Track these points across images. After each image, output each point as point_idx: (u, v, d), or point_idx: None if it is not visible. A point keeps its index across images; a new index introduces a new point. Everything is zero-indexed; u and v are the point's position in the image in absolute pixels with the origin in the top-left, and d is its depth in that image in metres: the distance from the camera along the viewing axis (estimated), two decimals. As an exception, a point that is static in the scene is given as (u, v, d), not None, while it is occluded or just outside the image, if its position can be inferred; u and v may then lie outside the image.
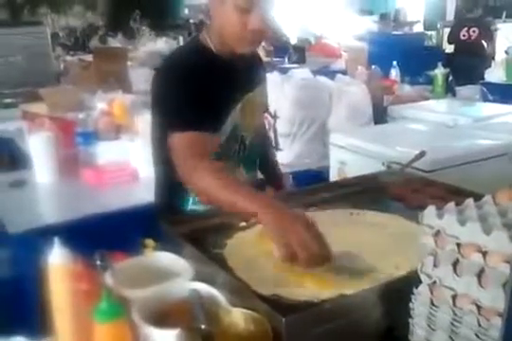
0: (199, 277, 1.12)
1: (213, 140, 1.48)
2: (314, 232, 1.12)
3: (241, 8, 1.43)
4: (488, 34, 6.76)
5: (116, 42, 10.03)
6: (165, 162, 1.53)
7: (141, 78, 4.88)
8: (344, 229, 1.36)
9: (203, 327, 0.91)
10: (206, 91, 1.45)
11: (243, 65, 1.61)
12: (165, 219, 1.40)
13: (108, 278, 1.04)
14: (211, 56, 1.55)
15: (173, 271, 1.15)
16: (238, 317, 0.97)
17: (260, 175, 1.92)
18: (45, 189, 2.40)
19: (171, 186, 1.63)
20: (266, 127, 1.89)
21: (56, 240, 1.02)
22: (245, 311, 0.98)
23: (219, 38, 1.54)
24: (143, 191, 2.36)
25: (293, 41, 8.51)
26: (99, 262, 1.01)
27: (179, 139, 1.42)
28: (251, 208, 1.21)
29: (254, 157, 1.79)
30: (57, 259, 1.02)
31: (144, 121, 2.77)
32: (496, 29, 6.92)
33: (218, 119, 1.55)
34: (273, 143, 1.99)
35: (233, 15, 1.45)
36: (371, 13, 9.65)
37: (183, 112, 1.45)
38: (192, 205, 1.65)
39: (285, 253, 1.09)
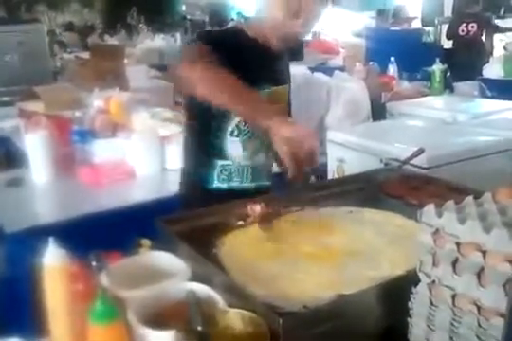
0: (196, 277, 1.11)
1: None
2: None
3: (291, 10, 1.52)
4: (490, 29, 6.76)
5: (113, 39, 10.00)
6: (195, 134, 1.68)
7: (138, 75, 4.87)
8: (343, 228, 1.35)
9: (199, 328, 0.90)
10: (234, 65, 1.48)
11: (276, 58, 1.70)
12: (162, 218, 1.39)
13: (103, 279, 1.03)
14: (252, 40, 1.63)
15: (170, 271, 1.15)
16: (235, 318, 0.97)
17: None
18: (41, 188, 2.39)
19: (197, 162, 1.74)
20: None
21: (51, 240, 1.01)
22: (242, 311, 0.97)
23: (264, 30, 1.61)
24: (140, 190, 2.36)
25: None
26: (94, 263, 1.00)
27: (195, 46, 1.54)
28: (259, 117, 1.37)
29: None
30: (52, 259, 1.01)
31: (141, 119, 2.77)
32: (497, 26, 6.91)
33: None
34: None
35: (282, 16, 1.54)
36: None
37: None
38: (216, 182, 1.72)
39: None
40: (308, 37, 7.81)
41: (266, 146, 1.72)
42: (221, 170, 1.71)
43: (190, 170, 1.79)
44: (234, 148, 1.69)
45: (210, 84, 1.39)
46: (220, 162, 1.70)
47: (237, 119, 1.65)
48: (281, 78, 1.76)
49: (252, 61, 1.57)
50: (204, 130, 1.68)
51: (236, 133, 1.68)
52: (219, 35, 1.66)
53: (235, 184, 1.73)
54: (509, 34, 6.89)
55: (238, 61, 1.49)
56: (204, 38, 1.61)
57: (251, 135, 1.70)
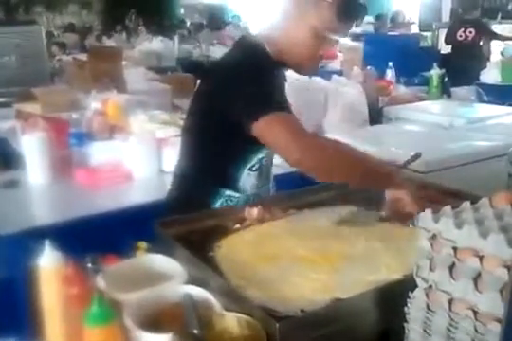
0: (192, 280, 1.11)
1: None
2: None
3: (319, 33, 1.47)
4: (488, 35, 6.78)
5: (111, 41, 10.00)
6: (199, 161, 1.59)
7: (136, 77, 4.87)
8: (340, 232, 1.34)
9: (196, 331, 0.90)
10: (275, 86, 1.47)
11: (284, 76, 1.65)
12: (159, 221, 1.38)
13: (100, 281, 1.03)
14: (271, 62, 1.55)
15: (166, 274, 1.14)
16: (231, 322, 0.96)
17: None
18: (37, 190, 2.38)
19: (201, 188, 1.63)
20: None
21: (47, 242, 1.01)
22: (238, 315, 0.97)
23: (283, 53, 1.54)
24: (137, 192, 2.36)
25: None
26: (90, 265, 1.00)
27: (278, 119, 1.37)
28: (389, 185, 1.40)
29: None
30: (48, 261, 1.01)
31: (138, 121, 2.77)
32: (495, 33, 6.93)
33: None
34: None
35: (308, 37, 1.48)
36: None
37: (267, 97, 1.41)
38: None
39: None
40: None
41: (268, 175, 1.73)
42: (226, 200, 1.63)
43: (189, 192, 1.68)
44: (248, 181, 1.63)
45: (344, 169, 1.39)
46: (228, 192, 1.62)
47: (261, 155, 1.61)
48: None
49: (280, 82, 1.55)
50: (220, 160, 1.60)
51: (256, 167, 1.63)
52: (254, 68, 1.47)
53: None
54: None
55: (275, 84, 1.48)
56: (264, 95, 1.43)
57: (267, 170, 1.68)
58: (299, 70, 1.63)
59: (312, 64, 1.59)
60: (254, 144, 1.48)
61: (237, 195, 1.63)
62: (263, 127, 1.37)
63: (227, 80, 1.49)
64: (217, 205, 1.62)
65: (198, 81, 1.72)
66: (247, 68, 1.47)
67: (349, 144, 1.45)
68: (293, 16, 1.49)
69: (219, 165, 1.60)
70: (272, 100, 1.40)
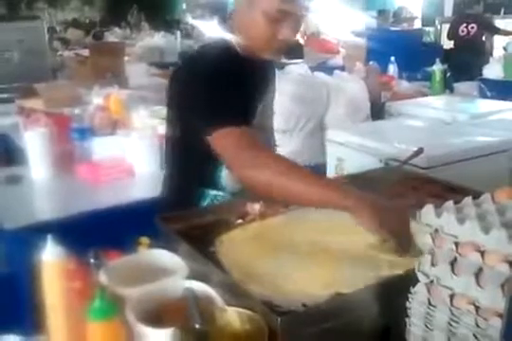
0: (194, 275, 1.11)
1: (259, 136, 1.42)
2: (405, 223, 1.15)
3: (271, 17, 1.41)
4: (491, 30, 6.77)
5: (113, 36, 9.99)
6: (182, 164, 1.54)
7: (138, 73, 4.87)
8: (342, 226, 1.34)
9: (198, 326, 0.90)
10: (239, 91, 1.42)
11: (264, 67, 1.60)
12: (161, 216, 1.38)
13: (102, 276, 1.03)
14: (238, 58, 1.51)
15: (168, 269, 1.14)
16: (233, 316, 0.97)
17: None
18: (40, 185, 2.39)
19: (185, 188, 1.62)
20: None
21: (50, 237, 1.01)
22: (240, 310, 0.97)
23: (244, 40, 1.51)
24: (139, 188, 2.36)
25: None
26: (92, 260, 1.00)
27: (228, 132, 1.34)
28: (333, 199, 1.20)
29: None
30: (50, 256, 1.01)
31: (140, 117, 2.77)
32: (498, 28, 6.91)
33: (251, 119, 1.51)
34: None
35: (262, 22, 1.42)
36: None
37: (223, 109, 1.39)
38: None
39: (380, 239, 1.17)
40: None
41: None
42: (212, 200, 1.60)
43: (175, 194, 1.68)
44: (230, 178, 1.59)
45: (288, 185, 1.24)
46: (213, 192, 1.60)
47: None
48: (271, 83, 1.71)
49: (250, 77, 1.50)
50: (198, 160, 1.56)
51: None
52: (214, 69, 1.45)
53: None
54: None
55: (240, 81, 1.43)
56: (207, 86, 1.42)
57: None
58: (263, 55, 1.53)
59: (273, 49, 1.50)
60: None
61: (222, 193, 1.60)
62: (214, 141, 1.37)
63: (187, 85, 1.49)
64: (204, 204, 1.60)
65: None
66: (209, 71, 1.45)
67: (298, 164, 1.35)
68: (246, 4, 1.46)
69: (198, 165, 1.58)
70: (226, 114, 1.38)
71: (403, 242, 1.14)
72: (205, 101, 1.42)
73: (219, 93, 1.41)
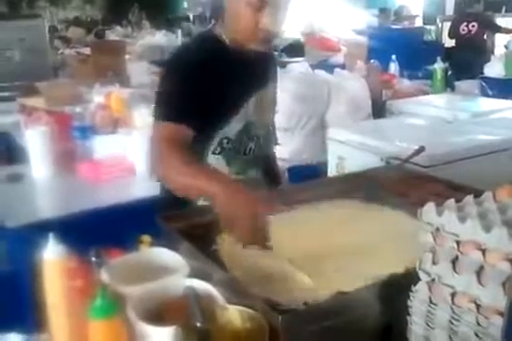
0: (195, 273, 1.11)
1: (189, 137, 1.43)
2: (257, 221, 1.19)
3: (253, 5, 1.42)
4: (492, 28, 6.76)
5: (114, 35, 9.99)
6: None
7: (139, 71, 4.87)
8: (343, 225, 1.35)
9: (199, 324, 0.90)
10: (216, 83, 1.43)
11: (256, 60, 1.59)
12: (162, 214, 1.38)
13: (103, 275, 1.03)
14: (225, 49, 1.54)
15: (170, 267, 1.14)
16: (234, 315, 0.97)
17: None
18: (41, 184, 2.39)
19: None
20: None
21: (51, 235, 1.01)
22: (241, 308, 0.97)
23: (231, 32, 1.53)
24: (140, 186, 2.36)
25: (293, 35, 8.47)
26: (94, 259, 1.00)
27: (159, 128, 1.42)
28: (208, 186, 1.23)
29: (265, 155, 1.79)
30: (52, 254, 1.01)
31: (142, 115, 2.77)
32: (500, 26, 6.90)
33: (227, 112, 1.54)
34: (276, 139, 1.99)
35: (246, 12, 1.44)
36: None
37: (170, 102, 1.45)
38: (201, 201, 1.60)
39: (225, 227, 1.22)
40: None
41: (255, 162, 1.69)
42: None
43: (170, 193, 1.62)
44: (218, 166, 1.59)
45: (182, 179, 1.32)
46: None
47: (219, 138, 1.59)
48: (269, 75, 1.71)
49: (238, 69, 1.51)
50: None
51: (219, 150, 1.60)
52: (194, 60, 1.48)
53: None
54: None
55: (221, 73, 1.45)
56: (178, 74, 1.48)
57: (236, 153, 1.63)
58: (249, 46, 1.53)
59: (257, 39, 1.49)
60: (206, 129, 1.50)
61: None
62: (153, 129, 1.43)
63: (167, 72, 1.56)
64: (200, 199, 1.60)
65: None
66: (188, 60, 1.50)
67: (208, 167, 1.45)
68: None
69: None
70: (170, 107, 1.43)
71: (243, 234, 1.19)
72: (161, 92, 1.50)
73: (177, 86, 1.46)
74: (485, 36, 6.79)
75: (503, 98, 3.54)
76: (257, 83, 1.63)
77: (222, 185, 1.22)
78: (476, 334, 0.84)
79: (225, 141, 1.60)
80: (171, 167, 1.33)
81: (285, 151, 3.17)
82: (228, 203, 1.20)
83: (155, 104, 1.52)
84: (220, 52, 1.52)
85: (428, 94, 3.97)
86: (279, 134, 1.97)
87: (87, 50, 6.01)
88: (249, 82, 1.58)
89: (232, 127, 1.58)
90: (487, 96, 3.92)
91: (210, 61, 1.47)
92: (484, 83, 4.20)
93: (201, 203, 1.56)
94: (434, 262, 0.90)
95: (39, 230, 1.53)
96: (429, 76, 4.35)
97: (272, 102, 1.76)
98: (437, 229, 0.91)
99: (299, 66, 4.12)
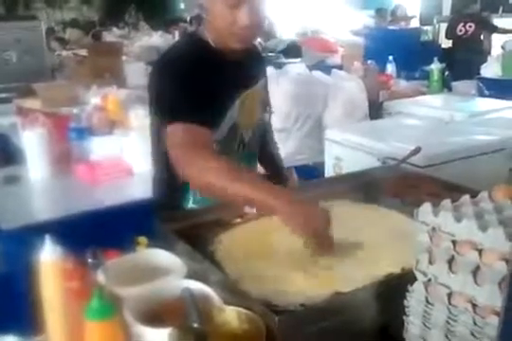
0: (192, 274, 1.11)
1: (211, 136, 1.42)
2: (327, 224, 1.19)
3: (228, 3, 1.42)
4: (489, 29, 6.77)
5: (111, 36, 9.98)
6: (165, 160, 1.47)
7: (136, 72, 4.86)
8: (340, 226, 1.34)
9: (196, 325, 0.90)
10: (204, 85, 1.42)
11: (241, 61, 1.57)
12: (159, 215, 1.38)
13: (100, 276, 1.03)
14: (209, 50, 1.53)
15: (166, 268, 1.15)
16: (231, 316, 0.97)
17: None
18: (38, 185, 2.38)
19: (170, 184, 1.58)
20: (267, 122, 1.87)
21: (47, 237, 1.01)
22: (238, 309, 0.97)
23: (214, 32, 1.52)
24: (137, 187, 2.36)
25: (291, 36, 8.49)
26: (90, 260, 1.00)
27: (178, 129, 1.37)
28: (263, 199, 1.21)
29: (253, 154, 1.77)
30: (48, 256, 1.01)
31: (138, 116, 2.77)
32: (496, 26, 6.91)
33: (216, 115, 1.53)
34: (274, 137, 1.98)
35: (223, 10, 1.43)
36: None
37: (182, 103, 1.41)
38: (192, 204, 1.61)
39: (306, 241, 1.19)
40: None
41: (243, 162, 1.67)
42: (195, 193, 1.59)
43: (162, 193, 1.67)
44: None
45: (223, 185, 1.26)
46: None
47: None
48: (256, 75, 1.69)
49: (223, 70, 1.50)
50: None
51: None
52: (183, 62, 1.47)
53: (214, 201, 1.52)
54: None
55: (209, 74, 1.44)
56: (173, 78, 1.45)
57: (222, 154, 1.56)
58: (231, 44, 1.52)
59: (238, 37, 1.48)
60: None
61: None
62: (170, 131, 1.39)
63: (159, 75, 1.53)
64: (191, 202, 1.60)
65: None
66: (178, 63, 1.48)
67: (238, 166, 1.39)
68: None
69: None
70: (190, 108, 1.40)
71: (324, 243, 1.19)
72: (164, 95, 1.46)
73: (178, 87, 1.43)
74: (482, 36, 6.80)
75: (500, 98, 3.54)
76: (243, 84, 1.61)
77: (282, 200, 1.20)
78: (472, 334, 0.84)
79: (215, 145, 1.55)
80: (212, 173, 1.28)
81: (282, 151, 3.16)
82: (303, 221, 1.18)
83: (160, 109, 1.49)
84: (203, 53, 1.51)
85: (425, 94, 3.98)
86: (276, 135, 1.98)
87: (84, 52, 6.00)
88: (234, 83, 1.56)
89: (221, 129, 1.55)
90: (484, 96, 3.93)
91: (193, 63, 1.46)
92: (480, 84, 4.20)
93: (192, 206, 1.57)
94: (431, 262, 0.90)
95: (36, 232, 1.53)
96: (426, 76, 4.36)
97: (261, 102, 1.73)
98: (433, 229, 0.91)
99: (296, 67, 4.11)
